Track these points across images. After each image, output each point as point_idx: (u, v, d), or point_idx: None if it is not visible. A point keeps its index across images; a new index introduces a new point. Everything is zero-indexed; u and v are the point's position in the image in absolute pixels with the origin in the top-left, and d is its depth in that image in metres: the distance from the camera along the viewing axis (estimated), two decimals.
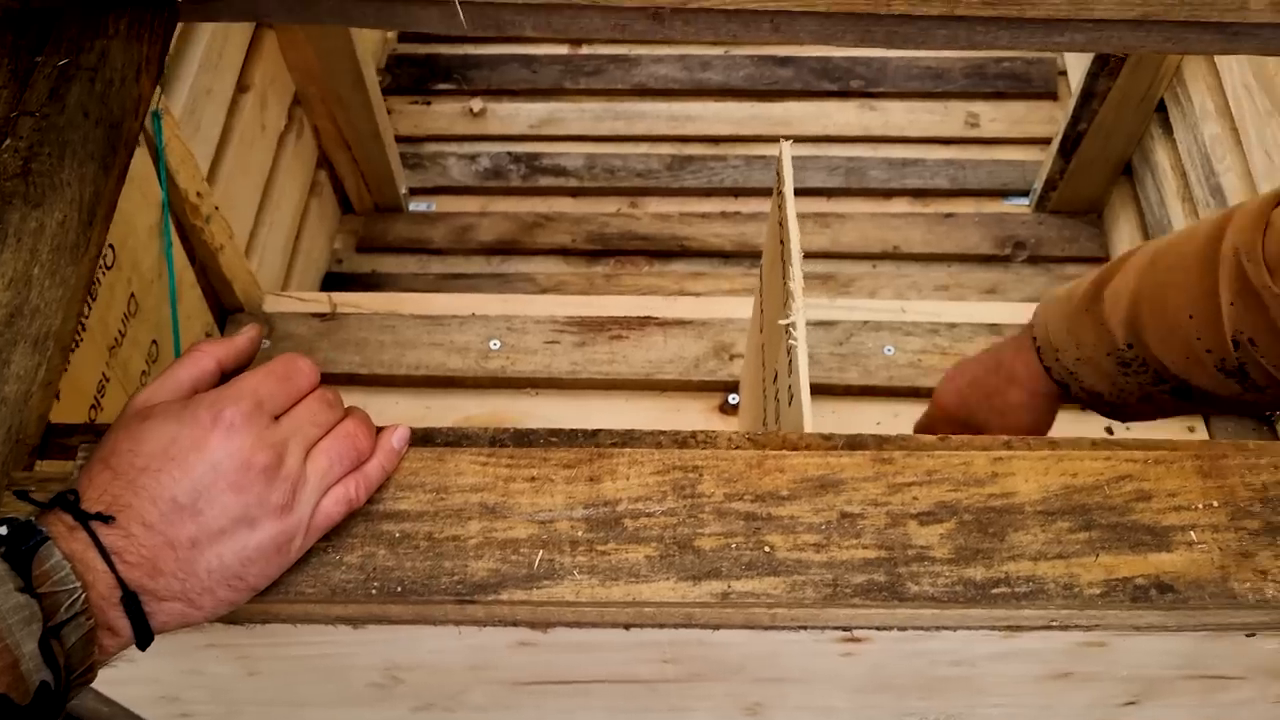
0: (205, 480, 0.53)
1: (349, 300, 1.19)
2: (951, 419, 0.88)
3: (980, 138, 1.89)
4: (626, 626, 0.60)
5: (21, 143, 0.74)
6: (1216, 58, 1.43)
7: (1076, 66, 1.79)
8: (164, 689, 0.75)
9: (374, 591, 0.57)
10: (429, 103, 1.96)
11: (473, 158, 1.89)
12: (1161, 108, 1.60)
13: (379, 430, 0.61)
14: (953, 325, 1.26)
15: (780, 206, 0.83)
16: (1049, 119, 1.88)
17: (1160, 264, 0.72)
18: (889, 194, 1.83)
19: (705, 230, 1.78)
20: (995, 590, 0.57)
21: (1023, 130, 1.89)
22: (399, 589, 0.57)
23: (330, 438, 0.58)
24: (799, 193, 1.89)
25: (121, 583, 0.52)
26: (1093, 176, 1.71)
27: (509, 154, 1.89)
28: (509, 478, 0.60)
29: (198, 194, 1.06)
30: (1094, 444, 0.63)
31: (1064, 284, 0.84)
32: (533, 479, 0.60)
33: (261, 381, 0.56)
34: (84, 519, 0.52)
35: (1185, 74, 1.51)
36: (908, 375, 1.19)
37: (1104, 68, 1.54)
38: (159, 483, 0.52)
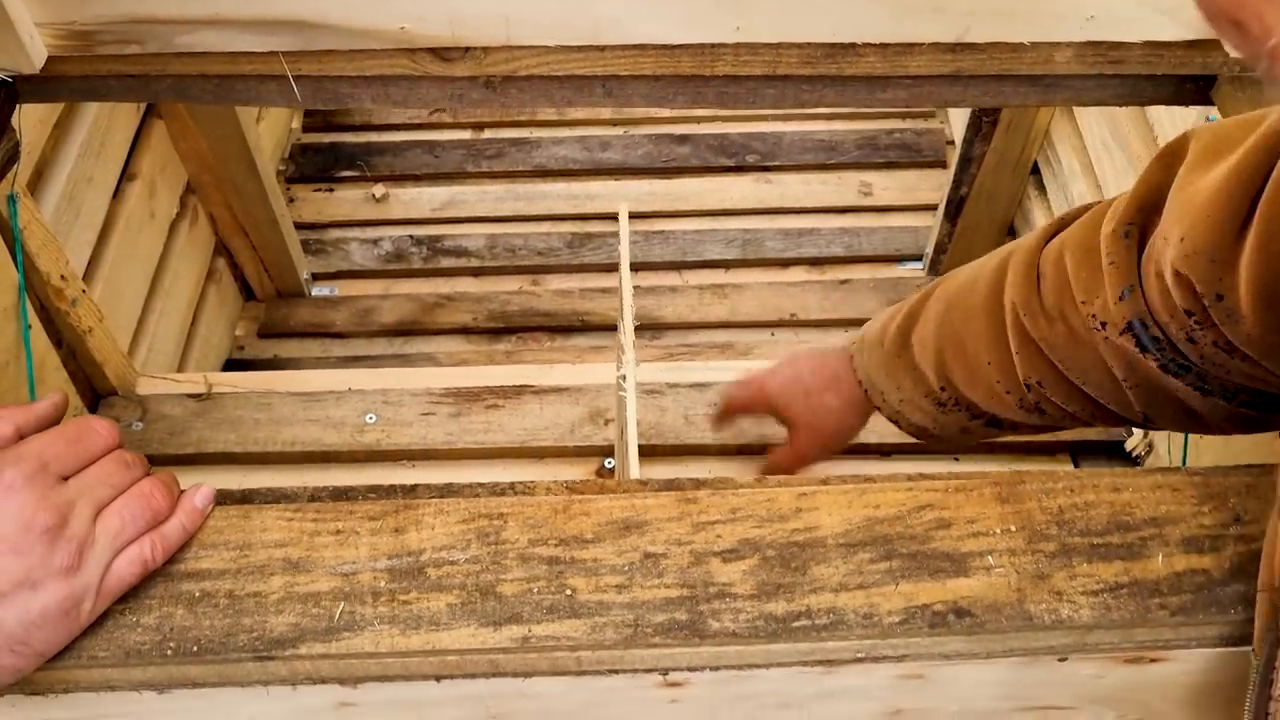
0: None
1: (225, 380, 1.18)
2: (765, 402, 0.91)
3: (874, 205, 1.93)
4: (436, 678, 0.59)
5: None
6: (1079, 120, 1.48)
7: (960, 136, 1.85)
8: None
9: (169, 652, 0.56)
10: (332, 189, 1.97)
11: (375, 242, 1.90)
12: (1036, 170, 1.65)
13: (182, 492, 0.60)
14: None
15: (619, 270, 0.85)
16: (938, 185, 1.93)
17: (954, 314, 0.74)
18: (785, 263, 1.87)
19: (605, 305, 1.80)
20: (796, 624, 0.57)
21: (914, 197, 1.94)
22: (195, 649, 0.56)
23: (124, 498, 0.57)
24: (698, 265, 1.91)
25: None
26: (979, 239, 1.75)
27: (411, 237, 1.90)
28: (315, 532, 0.60)
29: (61, 277, 1.06)
30: (903, 476, 0.63)
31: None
32: (338, 532, 0.60)
33: (49, 443, 0.56)
34: None
35: (1054, 137, 1.57)
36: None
37: (978, 133, 1.59)
38: None
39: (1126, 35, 0.80)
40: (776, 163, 1.98)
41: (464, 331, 1.79)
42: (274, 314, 1.82)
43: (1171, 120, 1.19)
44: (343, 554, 0.59)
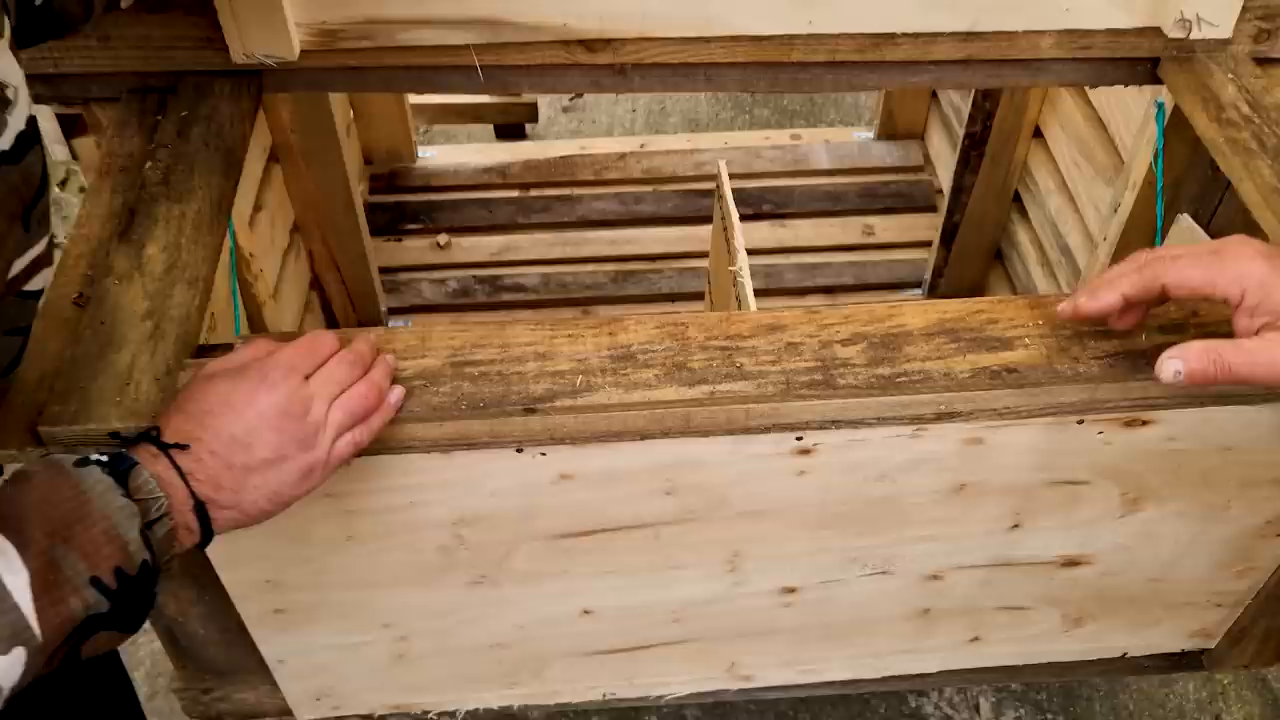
0: (254, 422, 0.73)
1: None
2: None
3: (876, 243, 2.22)
4: (642, 436, 0.83)
5: (160, 164, 0.99)
6: (1051, 144, 1.78)
7: (949, 183, 2.15)
8: (270, 570, 0.95)
9: (464, 407, 0.80)
10: (400, 239, 2.24)
11: (443, 281, 2.16)
12: (1017, 198, 1.95)
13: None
14: None
15: (720, 202, 1.11)
16: (932, 226, 2.22)
17: None
18: (803, 291, 2.14)
19: None
20: (898, 380, 0.82)
21: (911, 236, 2.23)
22: (481, 404, 0.80)
23: (345, 396, 0.77)
24: None
25: (193, 494, 0.71)
26: (971, 263, 2.03)
27: (474, 277, 2.16)
28: (552, 336, 0.85)
29: (250, 254, 1.31)
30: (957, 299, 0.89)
31: None
32: (570, 335, 0.85)
33: (294, 352, 0.77)
34: (164, 448, 0.71)
35: (1030, 166, 1.87)
36: None
37: (966, 166, 1.89)
38: (220, 422, 0.72)
39: (1092, 24, 1.09)
40: (789, 210, 2.27)
41: None
42: None
43: (1130, 130, 1.48)
44: (575, 349, 0.84)
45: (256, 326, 1.38)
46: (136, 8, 1.01)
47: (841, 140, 2.40)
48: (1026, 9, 1.07)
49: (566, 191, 2.33)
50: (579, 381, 0.82)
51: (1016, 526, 0.97)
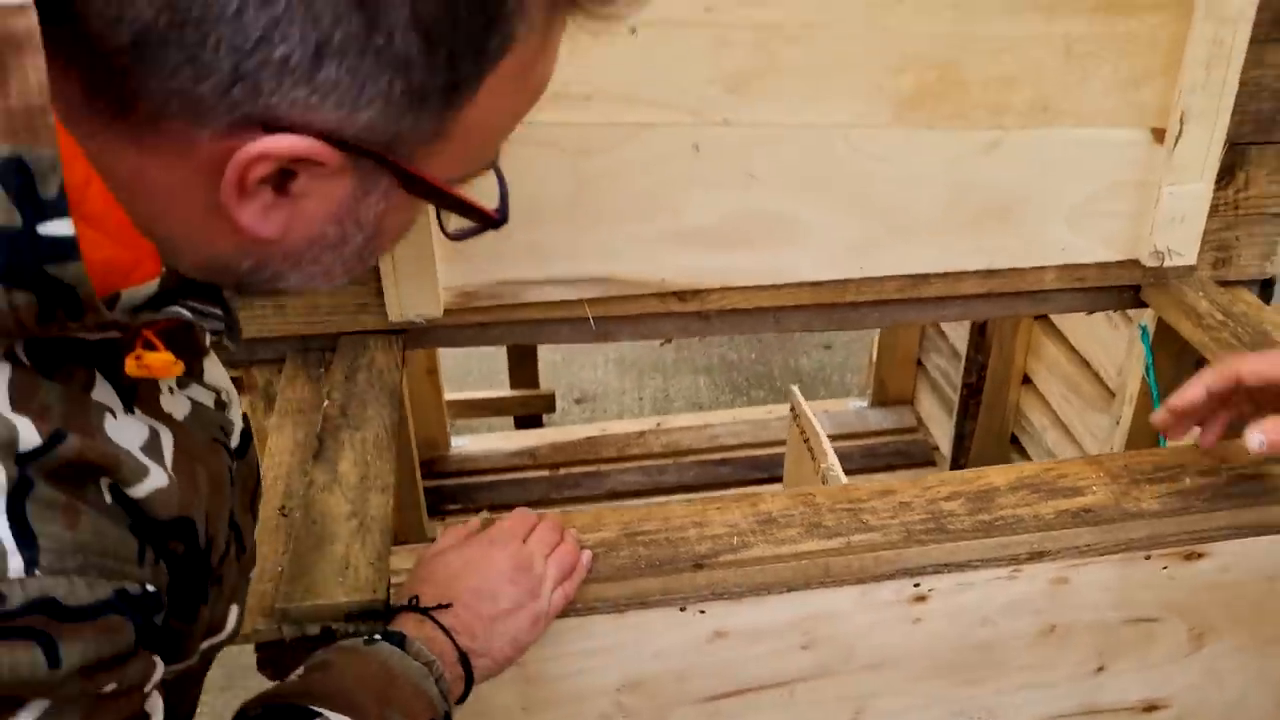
0: (494, 578, 0.88)
1: None
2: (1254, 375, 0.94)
3: None
4: (789, 588, 0.98)
5: (335, 402, 1.17)
6: (1040, 385, 2.02)
7: (943, 439, 2.37)
8: None
9: (642, 567, 0.95)
10: (443, 518, 2.39)
11: None
12: (1015, 441, 2.17)
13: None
14: None
15: (797, 421, 1.30)
16: None
17: None
18: None
19: None
20: (996, 524, 0.99)
21: None
22: (656, 564, 0.95)
23: (556, 554, 0.92)
24: None
25: (457, 646, 0.85)
26: None
27: None
28: (704, 510, 1.01)
29: None
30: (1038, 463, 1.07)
31: None
32: (719, 508, 1.01)
33: (510, 523, 0.95)
34: (426, 611, 0.86)
35: (1024, 407, 2.10)
36: None
37: (965, 415, 2.12)
38: (467, 582, 0.87)
39: (1084, 259, 1.34)
40: None
41: None
42: None
43: (1112, 361, 1.73)
44: (726, 517, 1.00)
45: None
46: None
47: (839, 410, 2.64)
48: (1032, 249, 1.32)
49: (593, 469, 2.51)
50: (735, 540, 0.97)
51: (1101, 669, 1.10)
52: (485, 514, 0.99)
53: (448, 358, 2.83)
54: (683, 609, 0.98)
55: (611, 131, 1.18)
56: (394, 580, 0.95)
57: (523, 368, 2.83)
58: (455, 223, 0.63)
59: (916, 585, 1.01)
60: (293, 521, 1.03)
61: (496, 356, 3.09)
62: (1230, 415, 1.01)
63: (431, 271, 1.23)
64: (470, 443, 2.58)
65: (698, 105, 1.17)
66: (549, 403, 2.94)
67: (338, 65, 0.47)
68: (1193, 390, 0.96)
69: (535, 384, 2.88)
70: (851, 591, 1.00)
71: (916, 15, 1.15)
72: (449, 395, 2.67)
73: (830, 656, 1.05)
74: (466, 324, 1.30)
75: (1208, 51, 1.20)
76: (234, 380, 0.80)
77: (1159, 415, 1.00)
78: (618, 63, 1.14)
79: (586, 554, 0.95)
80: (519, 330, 1.32)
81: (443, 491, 2.46)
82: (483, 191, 0.60)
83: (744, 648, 1.02)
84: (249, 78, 0.47)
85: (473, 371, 3.16)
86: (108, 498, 0.52)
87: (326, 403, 1.17)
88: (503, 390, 2.89)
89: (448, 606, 0.85)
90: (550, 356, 3.16)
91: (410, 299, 1.24)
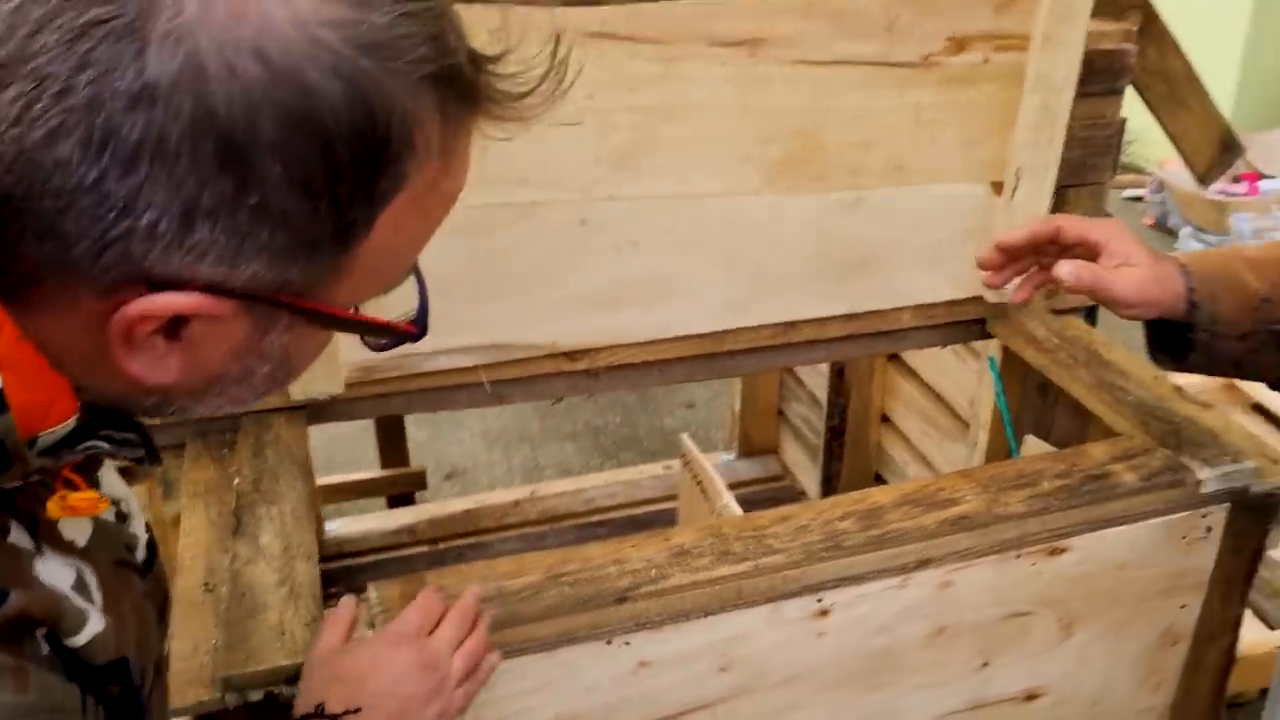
0: (401, 678, 0.89)
1: None
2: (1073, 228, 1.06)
3: None
4: (706, 613, 1.05)
5: (247, 479, 1.20)
6: (898, 423, 2.16)
7: (810, 483, 2.50)
8: None
9: (569, 604, 1.01)
10: (327, 601, 2.37)
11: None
12: (879, 478, 2.30)
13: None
14: None
15: (689, 467, 1.39)
16: None
17: None
18: None
19: None
20: (885, 537, 1.08)
21: None
22: (583, 599, 1.01)
23: (464, 650, 0.92)
24: None
25: None
26: None
27: None
28: (620, 548, 1.08)
29: None
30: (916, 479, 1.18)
31: None
32: (634, 545, 1.08)
33: (417, 614, 0.95)
34: (335, 718, 0.86)
35: (885, 445, 2.24)
36: None
37: (831, 456, 2.25)
38: (375, 684, 0.87)
39: (935, 298, 1.48)
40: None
41: None
42: None
43: (963, 394, 1.87)
44: (642, 553, 1.07)
45: None
46: None
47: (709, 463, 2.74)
48: (890, 292, 1.45)
49: (474, 540, 2.54)
50: (654, 573, 1.04)
51: (986, 665, 1.21)
52: (349, 596, 1.02)
53: (312, 441, 2.82)
54: (609, 642, 1.04)
55: (505, 211, 1.26)
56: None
57: (393, 446, 2.84)
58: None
59: (819, 600, 1.09)
60: (218, 596, 1.05)
61: (361, 439, 3.08)
62: (1044, 277, 1.10)
63: (333, 349, 1.27)
64: (343, 525, 2.57)
65: (585, 184, 1.26)
66: (420, 480, 2.94)
67: (211, 226, 0.46)
68: (1019, 232, 1.08)
69: (406, 462, 2.88)
70: (762, 611, 1.08)
71: (782, 92, 1.27)
72: (319, 480, 2.66)
73: (746, 676, 1.12)
74: (366, 396, 1.34)
75: (1037, 116, 1.37)
76: (126, 470, 0.80)
77: (987, 253, 1.10)
78: (510, 149, 1.21)
79: (495, 655, 0.96)
80: (417, 399, 1.37)
81: (325, 575, 2.43)
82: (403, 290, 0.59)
83: (667, 675, 1.09)
84: (117, 244, 0.46)
85: (336, 455, 3.14)
86: (44, 648, 0.51)
87: (238, 480, 1.20)
88: (373, 471, 2.89)
89: (356, 712, 0.85)
90: (416, 434, 3.17)
91: (312, 377, 1.28)
